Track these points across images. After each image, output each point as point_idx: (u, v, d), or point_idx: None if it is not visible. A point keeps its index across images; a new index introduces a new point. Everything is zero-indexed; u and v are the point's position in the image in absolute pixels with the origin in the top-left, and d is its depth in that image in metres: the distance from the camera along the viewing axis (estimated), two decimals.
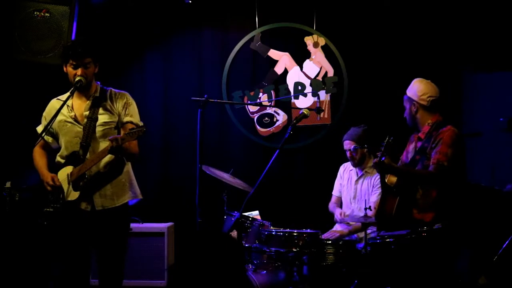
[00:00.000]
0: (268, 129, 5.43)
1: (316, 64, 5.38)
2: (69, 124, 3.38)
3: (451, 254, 3.50)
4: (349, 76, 5.32)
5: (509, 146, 4.79)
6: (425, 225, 3.47)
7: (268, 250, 3.85)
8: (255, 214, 4.56)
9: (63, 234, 3.36)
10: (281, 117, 5.44)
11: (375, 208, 4.17)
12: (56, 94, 3.53)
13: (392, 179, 3.63)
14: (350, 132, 4.52)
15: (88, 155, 3.32)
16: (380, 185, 4.28)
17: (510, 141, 4.74)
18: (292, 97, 5.40)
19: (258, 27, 5.40)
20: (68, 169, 3.34)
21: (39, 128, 3.53)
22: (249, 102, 5.38)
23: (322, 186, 4.96)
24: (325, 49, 5.37)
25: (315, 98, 5.37)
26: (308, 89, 5.37)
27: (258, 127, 5.43)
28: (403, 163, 3.80)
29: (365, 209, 3.93)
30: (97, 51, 3.39)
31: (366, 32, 5.30)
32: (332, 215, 4.64)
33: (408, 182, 3.61)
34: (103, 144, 3.32)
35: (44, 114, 3.51)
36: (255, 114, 5.45)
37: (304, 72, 5.40)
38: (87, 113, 3.37)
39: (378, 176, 4.28)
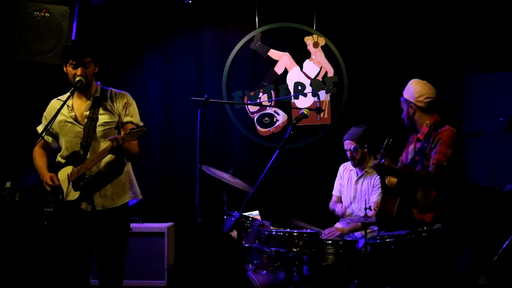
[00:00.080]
0: (268, 129, 5.43)
1: (316, 64, 5.38)
2: (70, 124, 3.38)
3: (451, 254, 3.50)
4: (349, 76, 5.32)
5: (509, 146, 4.79)
6: (425, 225, 3.47)
7: (268, 250, 3.85)
8: (255, 214, 4.57)
9: (63, 234, 3.36)
10: (281, 117, 5.44)
11: (375, 208, 4.18)
12: (56, 94, 3.53)
13: (392, 180, 3.63)
14: (350, 132, 4.52)
15: (88, 155, 3.32)
16: (380, 185, 4.29)
17: (510, 141, 4.74)
18: (292, 97, 5.40)
19: (258, 27, 5.40)
20: (69, 169, 3.35)
21: (40, 128, 3.53)
22: (249, 102, 5.38)
23: (322, 186, 4.96)
24: (325, 49, 5.36)
25: (315, 98, 5.37)
26: (308, 89, 5.37)
27: (258, 127, 5.43)
28: (403, 164, 3.80)
29: (365, 209, 3.94)
30: (97, 51, 3.39)
31: (366, 32, 5.30)
32: (332, 214, 4.64)
33: (408, 183, 3.61)
34: (104, 144, 3.32)
35: (44, 114, 3.51)
36: (255, 114, 5.45)
37: (304, 72, 5.39)
38: (87, 113, 3.37)
39: (378, 176, 4.28)
